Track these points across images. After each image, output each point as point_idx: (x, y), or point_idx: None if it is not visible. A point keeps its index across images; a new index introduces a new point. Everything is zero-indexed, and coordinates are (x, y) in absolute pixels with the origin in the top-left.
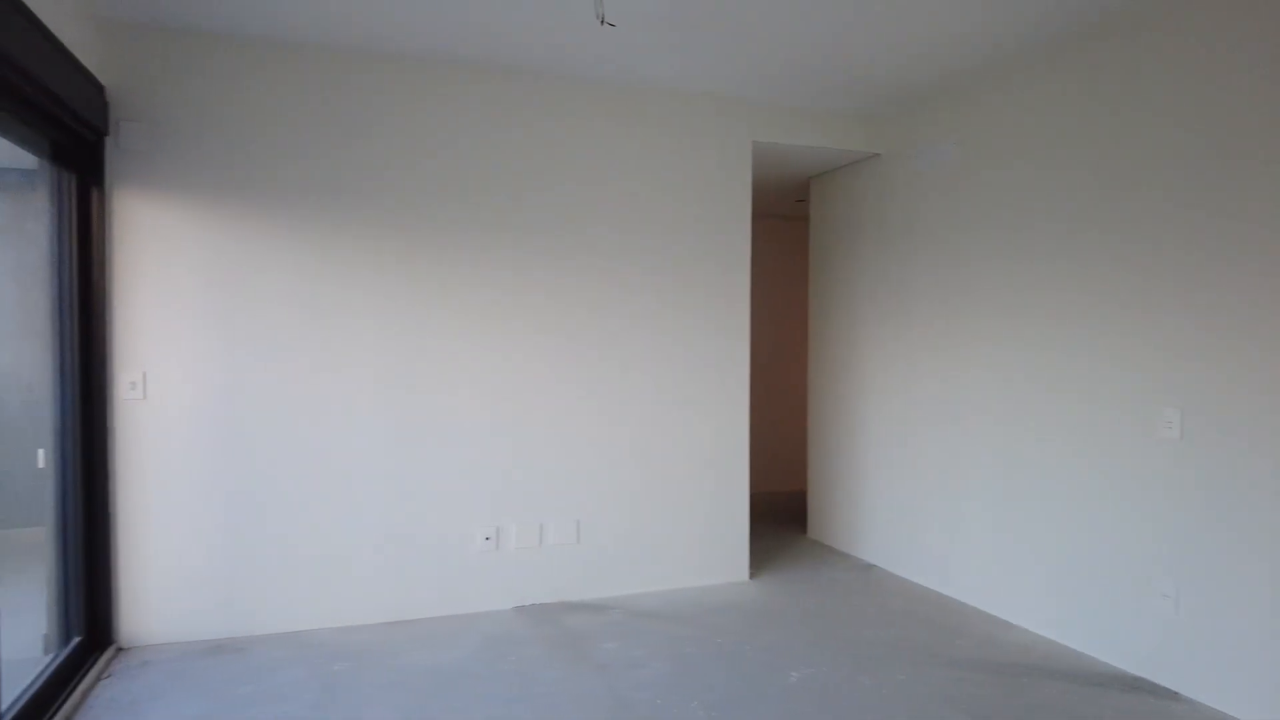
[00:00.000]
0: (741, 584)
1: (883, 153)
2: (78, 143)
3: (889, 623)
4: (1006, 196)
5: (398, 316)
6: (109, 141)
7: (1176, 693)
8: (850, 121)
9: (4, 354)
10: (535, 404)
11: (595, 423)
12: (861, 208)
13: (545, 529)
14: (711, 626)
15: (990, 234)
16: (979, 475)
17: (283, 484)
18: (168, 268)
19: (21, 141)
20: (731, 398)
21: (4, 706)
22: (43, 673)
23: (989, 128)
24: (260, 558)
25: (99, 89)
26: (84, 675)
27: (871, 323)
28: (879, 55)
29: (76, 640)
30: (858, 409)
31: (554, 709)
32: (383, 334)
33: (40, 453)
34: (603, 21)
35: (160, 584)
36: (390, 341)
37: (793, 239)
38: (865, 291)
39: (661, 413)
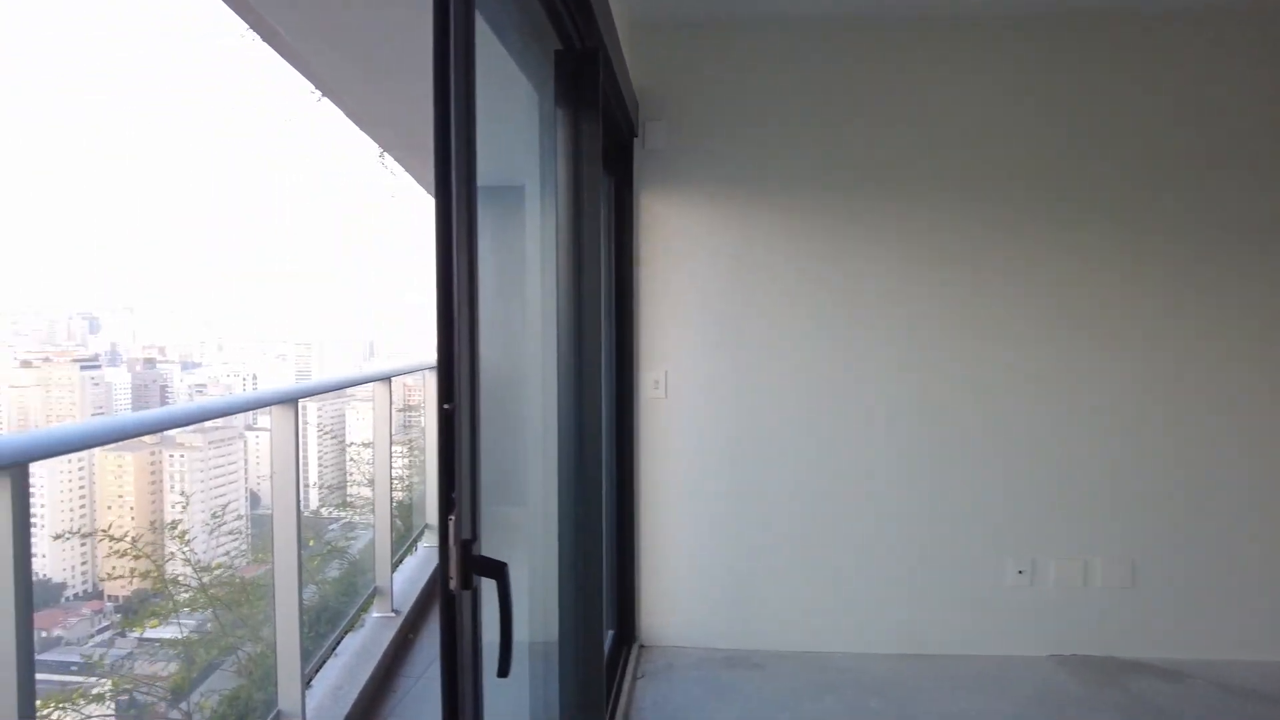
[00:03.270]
0: None
1: None
2: (619, 147)
3: None
4: None
5: (928, 317)
6: (636, 143)
7: None
8: None
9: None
10: (1085, 417)
11: (1161, 441)
12: None
13: (1091, 567)
14: None
15: None
16: None
17: (797, 493)
18: (686, 265)
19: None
20: None
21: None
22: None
23: None
24: (770, 568)
25: (632, 92)
26: (623, 670)
27: None
28: None
29: (611, 633)
30: None
31: None
32: (911, 336)
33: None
34: None
35: (674, 584)
36: (920, 346)
37: None
38: None
39: (1257, 431)
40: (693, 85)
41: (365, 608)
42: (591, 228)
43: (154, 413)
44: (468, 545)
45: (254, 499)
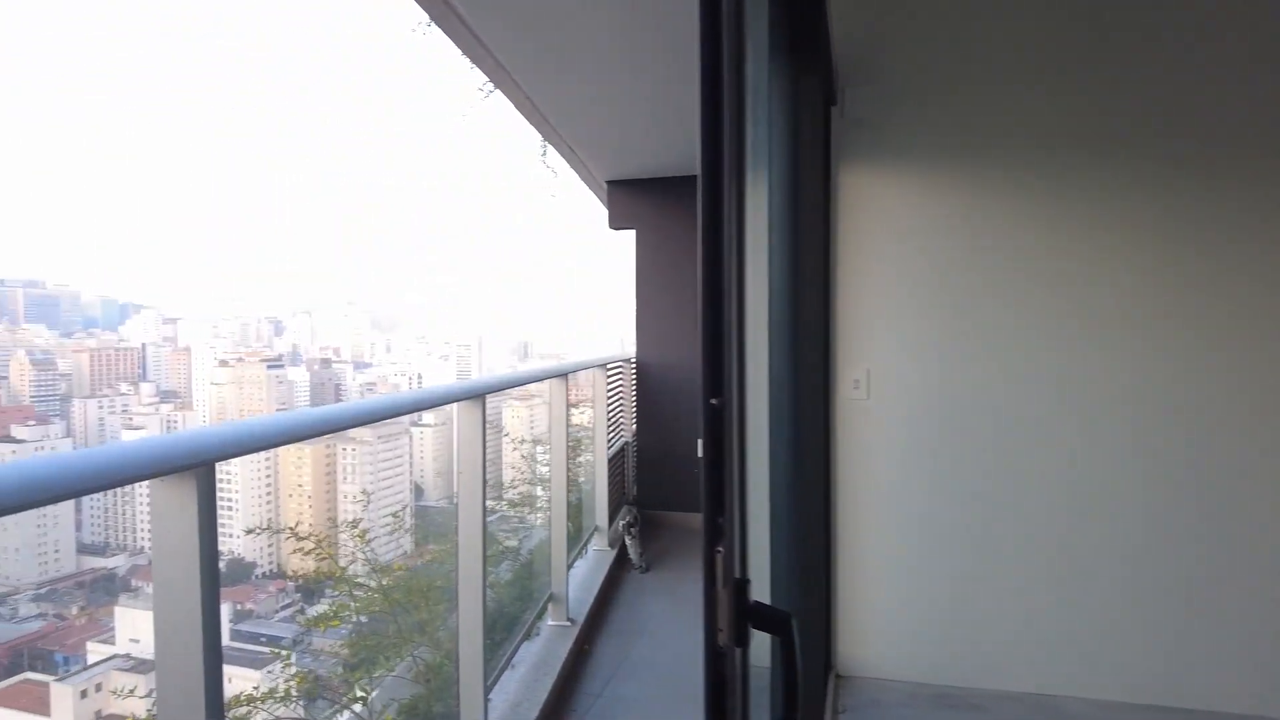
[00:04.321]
0: None
1: None
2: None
3: None
4: None
5: (1194, 312)
6: (834, 112)
7: None
8: None
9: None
10: None
11: None
12: None
13: None
14: None
15: None
16: None
17: (1020, 512)
18: (891, 249)
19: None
20: None
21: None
22: None
23: None
24: (988, 597)
25: (829, 53)
26: (824, 703)
27: None
28: None
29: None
30: None
31: None
32: (1170, 334)
33: (699, 443)
34: None
35: (875, 608)
36: (1182, 344)
37: None
38: None
39: None
40: (901, 42)
41: (540, 615)
42: (812, 203)
43: (349, 406)
44: (742, 589)
45: (417, 491)
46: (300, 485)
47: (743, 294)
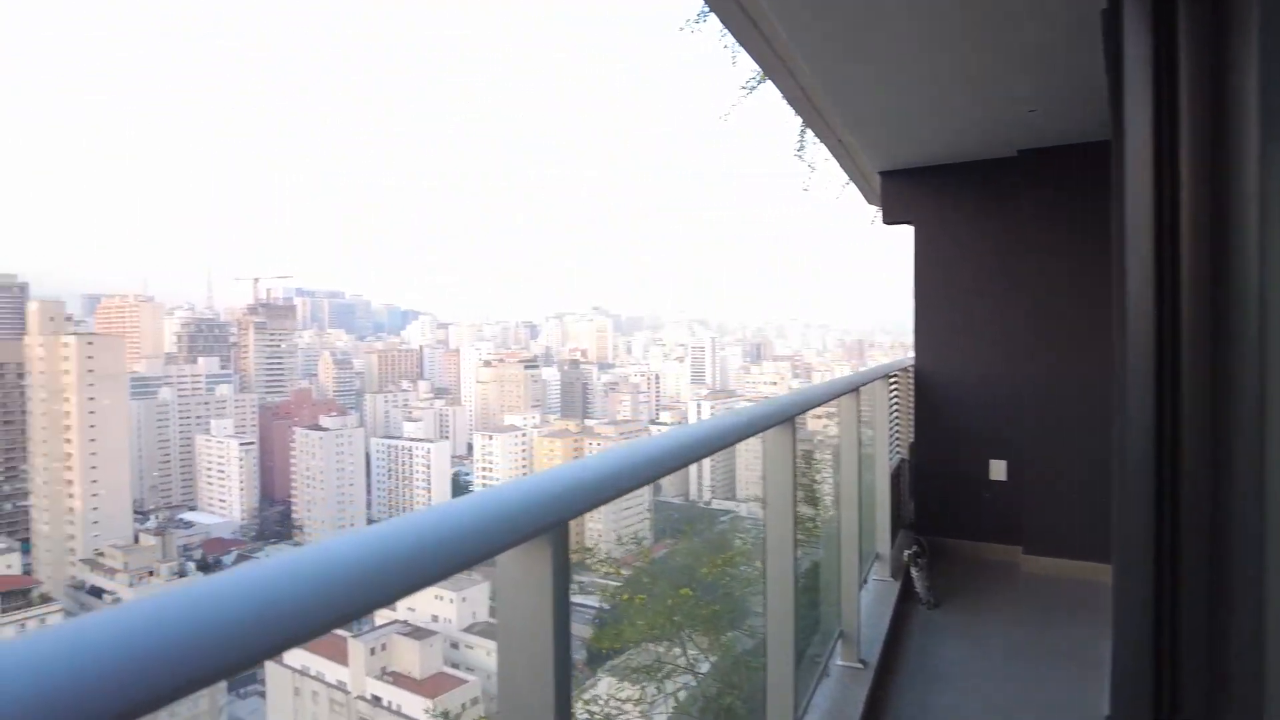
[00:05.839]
0: None
1: None
2: None
3: None
4: None
5: None
6: None
7: None
8: None
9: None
10: None
11: None
12: None
13: None
14: None
15: None
16: None
17: None
18: None
19: None
20: None
21: None
22: None
23: None
24: None
25: None
26: None
27: None
28: None
29: None
30: None
31: None
32: None
33: (992, 464)
34: None
35: None
36: None
37: None
38: None
39: None
40: None
41: (829, 653)
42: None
43: (673, 442)
44: None
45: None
46: None
47: None
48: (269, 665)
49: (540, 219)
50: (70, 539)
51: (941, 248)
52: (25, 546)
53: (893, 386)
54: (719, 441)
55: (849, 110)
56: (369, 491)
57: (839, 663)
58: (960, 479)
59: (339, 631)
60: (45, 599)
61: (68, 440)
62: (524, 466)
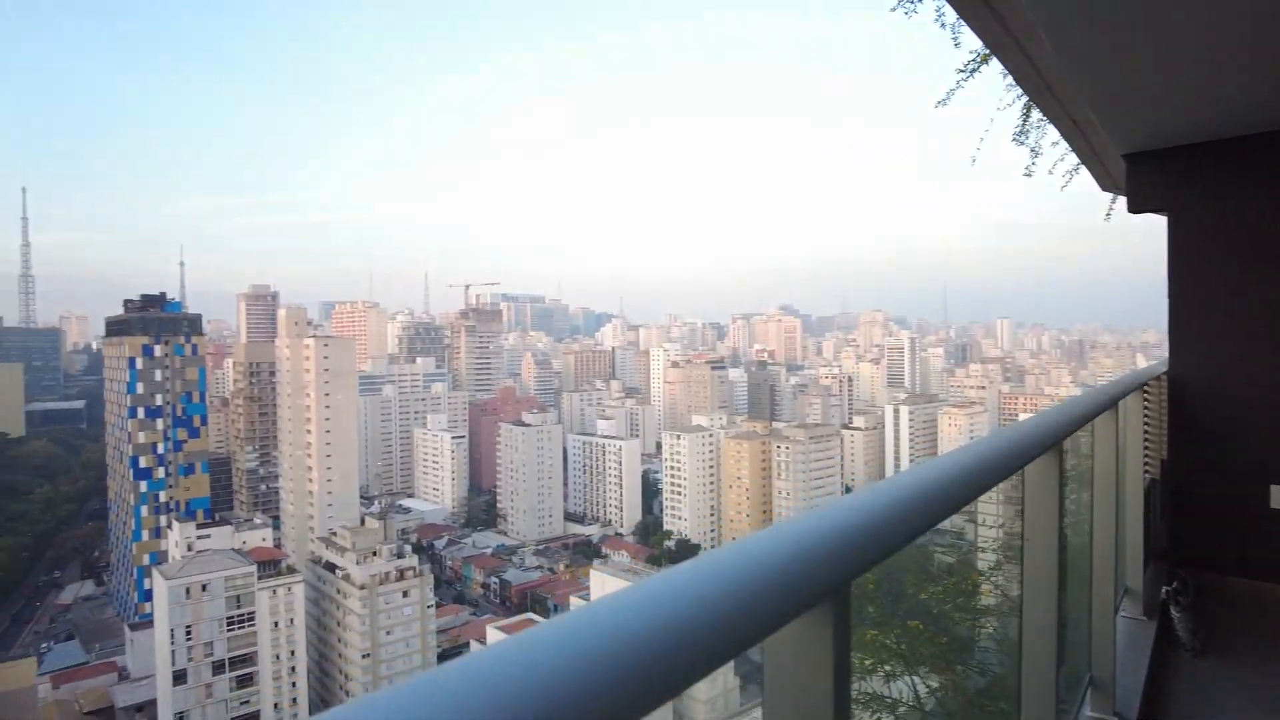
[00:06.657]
0: None
1: None
2: None
3: None
4: None
5: None
6: None
7: None
8: None
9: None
10: None
11: None
12: None
13: None
14: None
15: None
16: None
17: None
18: None
19: None
20: None
21: None
22: None
23: None
24: None
25: None
26: None
27: None
28: None
29: None
30: None
31: None
32: None
33: (1274, 490)
34: None
35: None
36: None
37: None
38: None
39: None
40: None
41: (1079, 701)
42: None
43: (935, 472)
44: None
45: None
46: (739, 478)
47: None
48: None
49: (732, 218)
50: (310, 519)
51: (1208, 239)
52: (276, 523)
53: (1144, 398)
54: (987, 478)
55: (1095, 83)
56: (565, 484)
57: (1090, 713)
58: (1230, 505)
59: (533, 615)
60: (291, 570)
61: (308, 431)
62: (711, 467)
